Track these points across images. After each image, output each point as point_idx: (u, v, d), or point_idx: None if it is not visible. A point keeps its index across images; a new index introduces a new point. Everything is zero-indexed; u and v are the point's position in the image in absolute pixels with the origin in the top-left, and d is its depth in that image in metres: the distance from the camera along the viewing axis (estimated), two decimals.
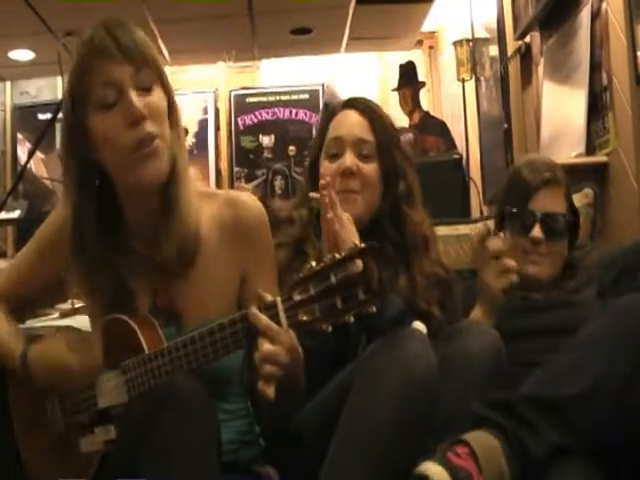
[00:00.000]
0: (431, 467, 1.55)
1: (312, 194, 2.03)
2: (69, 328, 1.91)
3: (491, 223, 2.35)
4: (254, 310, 1.50)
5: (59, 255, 1.78)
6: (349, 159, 2.11)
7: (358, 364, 1.72)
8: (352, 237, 1.85)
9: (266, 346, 1.49)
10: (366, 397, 1.63)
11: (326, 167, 2.14)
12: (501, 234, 2.11)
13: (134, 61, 1.63)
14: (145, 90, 1.64)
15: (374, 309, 1.43)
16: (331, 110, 2.25)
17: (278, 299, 1.49)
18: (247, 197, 1.86)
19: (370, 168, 2.13)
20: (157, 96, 1.67)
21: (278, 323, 1.49)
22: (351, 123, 2.16)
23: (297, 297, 1.47)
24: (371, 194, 2.12)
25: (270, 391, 1.49)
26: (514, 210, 2.32)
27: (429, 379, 1.64)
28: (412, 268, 2.09)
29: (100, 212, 1.70)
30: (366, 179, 2.11)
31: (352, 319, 1.44)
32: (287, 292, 1.48)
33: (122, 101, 1.62)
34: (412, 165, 2.21)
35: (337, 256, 1.45)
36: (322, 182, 1.89)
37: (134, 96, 1.61)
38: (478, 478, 1.55)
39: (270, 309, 1.50)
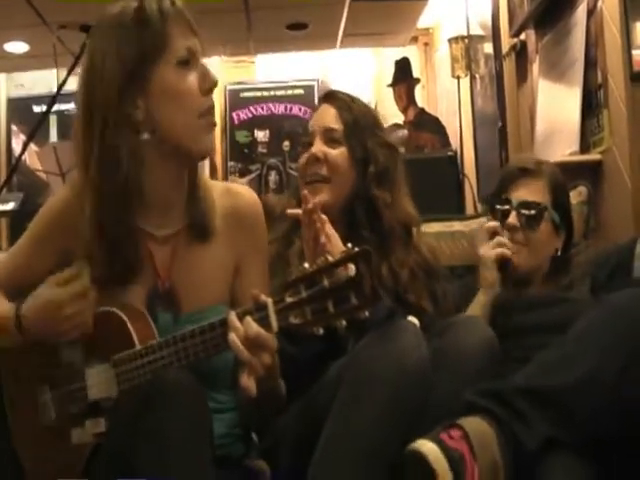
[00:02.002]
0: (424, 444, 1.56)
1: (289, 211, 2.05)
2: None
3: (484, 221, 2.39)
4: (233, 318, 1.51)
5: (57, 241, 1.78)
6: (315, 147, 2.14)
7: (349, 358, 1.72)
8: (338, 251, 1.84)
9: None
10: (358, 390, 1.63)
11: (301, 158, 2.19)
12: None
13: (197, 35, 1.73)
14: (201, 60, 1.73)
15: (366, 314, 1.43)
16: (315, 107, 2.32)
17: (269, 301, 1.48)
18: (244, 188, 1.90)
19: (337, 152, 2.15)
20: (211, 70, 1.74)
21: (268, 325, 1.48)
22: (321, 113, 2.22)
23: (289, 299, 1.46)
24: (340, 179, 2.14)
25: (253, 386, 1.49)
26: (494, 198, 2.37)
27: (422, 371, 1.64)
28: (390, 257, 2.09)
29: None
30: (333, 164, 2.14)
31: (344, 323, 1.44)
32: (279, 294, 1.48)
33: (198, 67, 1.69)
34: (390, 149, 2.23)
35: (330, 259, 1.45)
36: (305, 207, 1.89)
37: (207, 66, 1.71)
38: (471, 460, 1.56)
39: (261, 310, 1.49)
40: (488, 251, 2.22)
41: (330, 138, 2.16)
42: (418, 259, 2.12)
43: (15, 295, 1.80)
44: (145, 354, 1.57)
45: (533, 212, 2.29)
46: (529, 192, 2.32)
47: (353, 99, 2.23)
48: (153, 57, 1.65)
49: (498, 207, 2.34)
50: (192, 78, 1.67)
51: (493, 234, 2.25)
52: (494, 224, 2.28)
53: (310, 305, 1.44)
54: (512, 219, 2.28)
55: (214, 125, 1.72)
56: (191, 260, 1.75)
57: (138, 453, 1.44)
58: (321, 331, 1.45)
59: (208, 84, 1.68)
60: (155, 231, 1.75)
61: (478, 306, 2.18)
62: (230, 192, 1.84)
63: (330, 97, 2.24)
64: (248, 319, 1.49)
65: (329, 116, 2.19)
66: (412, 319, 1.77)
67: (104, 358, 1.62)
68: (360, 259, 1.43)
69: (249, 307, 1.51)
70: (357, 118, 2.19)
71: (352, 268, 1.42)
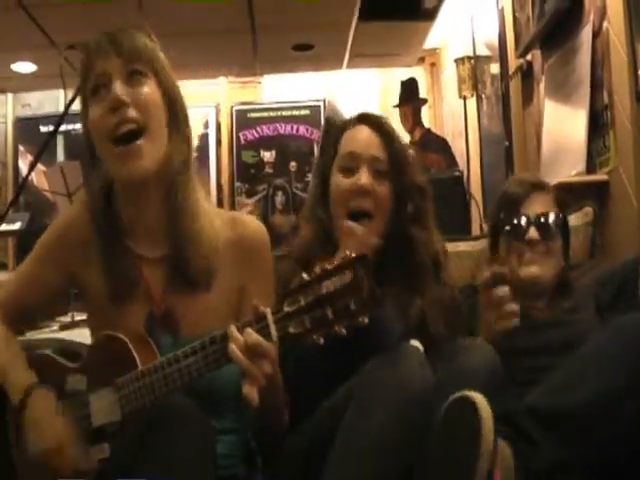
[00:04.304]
0: (477, 396, 1.54)
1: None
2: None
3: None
4: (233, 330, 1.51)
5: (61, 262, 1.80)
6: (364, 177, 2.07)
7: (355, 382, 1.72)
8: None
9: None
10: (363, 413, 1.62)
11: (340, 181, 2.11)
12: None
13: (124, 54, 1.70)
14: (135, 81, 1.70)
15: (366, 320, 1.43)
16: (343, 123, 2.22)
17: (268, 310, 1.49)
18: (249, 218, 1.90)
19: (384, 188, 2.09)
20: (148, 88, 1.72)
21: (268, 335, 1.49)
22: (366, 139, 2.13)
23: (287, 308, 1.47)
24: (382, 216, 2.08)
25: (255, 395, 1.49)
26: (508, 218, 2.33)
27: (425, 394, 1.63)
28: (422, 295, 2.05)
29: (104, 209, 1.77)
30: (380, 199, 2.08)
31: (344, 330, 1.43)
32: (277, 304, 1.48)
33: (109, 90, 1.68)
34: (424, 187, 2.18)
35: (328, 266, 1.44)
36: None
37: (118, 84, 1.67)
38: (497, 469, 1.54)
39: (260, 322, 1.49)
40: (500, 323, 1.99)
41: (377, 170, 2.09)
42: (446, 294, 2.10)
43: (16, 318, 1.81)
44: (147, 374, 1.57)
45: (552, 223, 2.28)
46: (543, 205, 2.33)
47: (391, 125, 2.17)
48: (84, 102, 1.77)
49: (513, 226, 2.29)
50: (102, 103, 1.69)
51: (498, 280, 1.99)
52: (500, 270, 2.01)
53: (309, 313, 1.45)
54: (533, 233, 2.26)
55: (132, 150, 1.68)
56: (185, 285, 1.75)
57: (143, 475, 1.43)
58: (322, 340, 1.45)
59: (112, 102, 1.68)
60: (145, 253, 1.77)
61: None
62: (235, 222, 1.85)
63: (371, 120, 2.17)
64: (248, 330, 1.50)
65: (375, 143, 2.12)
66: (415, 342, 1.75)
67: (107, 382, 1.61)
68: (358, 264, 1.43)
69: (249, 319, 1.52)
70: (400, 149, 2.14)
71: (349, 274, 1.42)
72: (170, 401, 1.52)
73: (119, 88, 1.67)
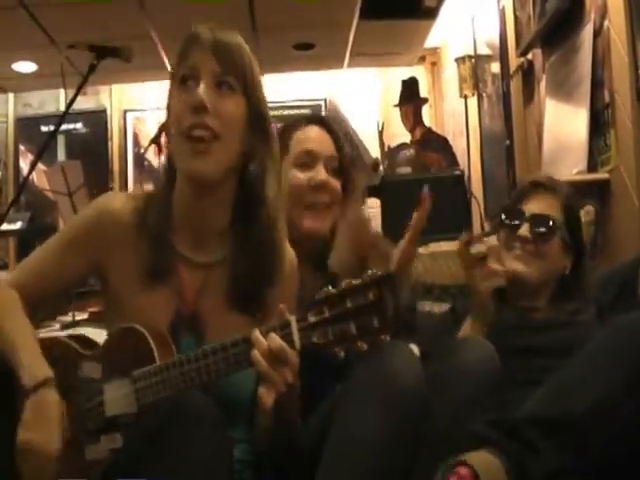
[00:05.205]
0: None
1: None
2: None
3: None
4: (257, 334, 1.51)
5: (89, 249, 1.79)
6: (322, 173, 2.20)
7: (345, 382, 1.74)
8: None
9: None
10: (355, 412, 1.64)
11: (294, 176, 2.21)
12: (486, 239, 2.16)
13: (221, 60, 1.71)
14: (222, 91, 1.71)
15: (388, 338, 1.45)
16: (294, 122, 2.34)
17: (292, 318, 1.50)
18: (287, 245, 1.87)
19: (337, 184, 2.23)
20: (232, 104, 1.72)
21: (291, 342, 1.49)
22: (321, 138, 2.26)
23: (312, 318, 1.48)
24: (336, 209, 2.22)
25: (269, 399, 1.50)
26: (507, 210, 2.35)
27: (418, 391, 1.65)
28: None
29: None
30: (334, 194, 2.22)
31: (365, 347, 1.45)
32: (302, 312, 1.49)
33: (195, 87, 1.69)
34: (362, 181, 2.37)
35: (354, 282, 1.46)
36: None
37: (205, 87, 1.68)
38: None
39: (284, 328, 1.50)
40: (479, 282, 2.10)
41: (332, 166, 2.24)
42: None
43: (35, 301, 1.79)
44: (166, 370, 1.57)
45: (545, 226, 2.27)
46: (542, 206, 2.31)
47: (343, 124, 2.35)
48: (172, 84, 1.77)
49: (509, 220, 2.31)
50: (185, 96, 1.70)
51: (481, 259, 2.11)
52: (482, 249, 2.12)
53: (332, 325, 1.46)
54: (524, 231, 2.26)
55: (204, 149, 1.68)
56: (224, 293, 1.75)
57: (155, 472, 1.44)
58: (342, 354, 1.46)
59: (194, 102, 1.68)
60: (190, 255, 1.77)
61: (468, 328, 2.15)
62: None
63: (323, 122, 2.32)
64: (272, 335, 1.51)
65: (329, 143, 2.26)
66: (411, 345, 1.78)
67: (123, 374, 1.60)
68: (384, 283, 1.44)
69: (273, 324, 1.52)
70: (346, 148, 2.34)
71: (376, 292, 1.44)
72: (188, 398, 1.52)
73: (204, 92, 1.67)
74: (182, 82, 1.72)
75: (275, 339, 1.50)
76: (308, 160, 2.22)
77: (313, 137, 2.27)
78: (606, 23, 3.48)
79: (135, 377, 1.59)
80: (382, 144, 5.78)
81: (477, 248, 2.10)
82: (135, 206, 1.79)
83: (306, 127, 2.28)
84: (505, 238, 2.28)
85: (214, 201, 1.76)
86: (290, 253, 1.86)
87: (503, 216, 2.33)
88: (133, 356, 1.62)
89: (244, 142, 1.74)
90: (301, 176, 2.20)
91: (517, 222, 2.28)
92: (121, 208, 1.80)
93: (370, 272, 1.47)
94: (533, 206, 2.31)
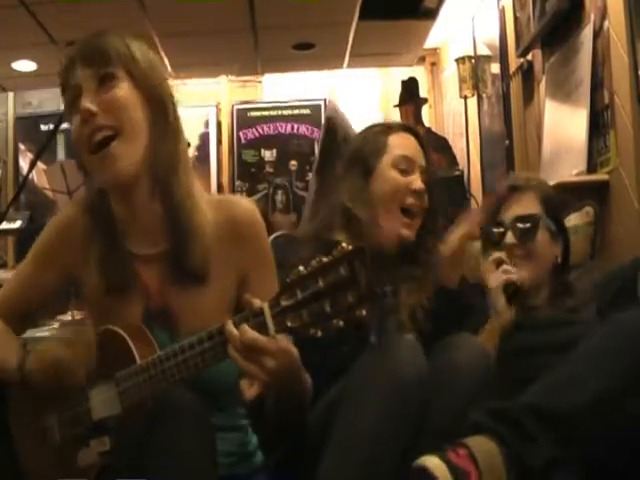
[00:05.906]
0: (431, 459, 1.55)
1: None
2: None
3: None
4: (230, 327, 1.50)
5: (58, 261, 1.81)
6: (420, 182, 2.24)
7: (349, 373, 1.74)
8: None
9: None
10: (358, 402, 1.66)
11: (396, 178, 2.24)
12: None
13: (93, 62, 1.70)
14: (106, 86, 1.69)
15: (364, 313, 1.42)
16: (385, 126, 2.38)
17: (265, 305, 1.48)
18: (237, 197, 1.90)
19: (426, 197, 2.26)
20: (120, 91, 1.70)
21: (266, 329, 1.47)
22: (417, 148, 2.32)
23: (284, 302, 1.45)
24: (420, 220, 2.24)
25: (252, 391, 1.50)
26: (486, 225, 2.37)
27: (419, 382, 1.67)
28: (428, 290, 2.16)
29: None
30: (424, 204, 2.24)
31: (341, 323, 1.42)
32: (274, 298, 1.47)
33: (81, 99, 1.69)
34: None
35: (324, 260, 1.42)
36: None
37: (86, 96, 1.67)
38: (476, 479, 1.55)
39: (257, 316, 1.49)
40: (495, 280, 2.22)
41: (423, 178, 2.26)
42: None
43: (15, 319, 1.81)
44: (146, 369, 1.57)
45: (528, 224, 2.30)
46: (521, 207, 2.36)
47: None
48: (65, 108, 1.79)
49: (494, 231, 2.35)
50: (75, 116, 1.70)
51: (499, 264, 2.25)
52: (498, 255, 2.28)
53: (306, 307, 1.43)
54: (509, 238, 2.32)
55: (105, 155, 1.67)
56: (184, 280, 1.74)
57: (144, 471, 1.44)
58: (319, 333, 1.43)
59: (81, 116, 1.68)
60: (143, 252, 1.77)
61: (487, 333, 2.17)
62: (223, 204, 1.82)
63: (416, 134, 2.37)
64: (244, 326, 1.49)
65: (422, 156, 2.32)
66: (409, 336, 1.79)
67: (106, 377, 1.61)
68: (354, 257, 1.41)
69: (246, 313, 1.51)
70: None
71: (346, 267, 1.40)
72: (170, 395, 1.52)
73: (86, 100, 1.67)
74: (71, 106, 1.72)
75: (247, 331, 1.48)
76: (407, 166, 2.25)
77: (410, 145, 2.32)
78: (606, 24, 3.48)
79: (118, 379, 1.60)
80: None
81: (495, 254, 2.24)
82: (83, 210, 1.82)
83: (403, 133, 2.34)
84: (492, 252, 2.32)
85: (141, 196, 1.74)
86: (248, 203, 1.85)
87: (485, 233, 2.36)
88: (113, 358, 1.63)
89: (148, 126, 1.72)
90: (402, 179, 2.23)
91: (500, 234, 2.32)
92: (72, 214, 1.83)
93: (340, 247, 1.43)
94: (512, 211, 2.36)
